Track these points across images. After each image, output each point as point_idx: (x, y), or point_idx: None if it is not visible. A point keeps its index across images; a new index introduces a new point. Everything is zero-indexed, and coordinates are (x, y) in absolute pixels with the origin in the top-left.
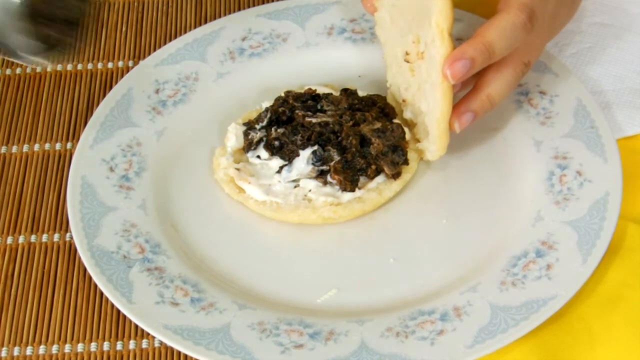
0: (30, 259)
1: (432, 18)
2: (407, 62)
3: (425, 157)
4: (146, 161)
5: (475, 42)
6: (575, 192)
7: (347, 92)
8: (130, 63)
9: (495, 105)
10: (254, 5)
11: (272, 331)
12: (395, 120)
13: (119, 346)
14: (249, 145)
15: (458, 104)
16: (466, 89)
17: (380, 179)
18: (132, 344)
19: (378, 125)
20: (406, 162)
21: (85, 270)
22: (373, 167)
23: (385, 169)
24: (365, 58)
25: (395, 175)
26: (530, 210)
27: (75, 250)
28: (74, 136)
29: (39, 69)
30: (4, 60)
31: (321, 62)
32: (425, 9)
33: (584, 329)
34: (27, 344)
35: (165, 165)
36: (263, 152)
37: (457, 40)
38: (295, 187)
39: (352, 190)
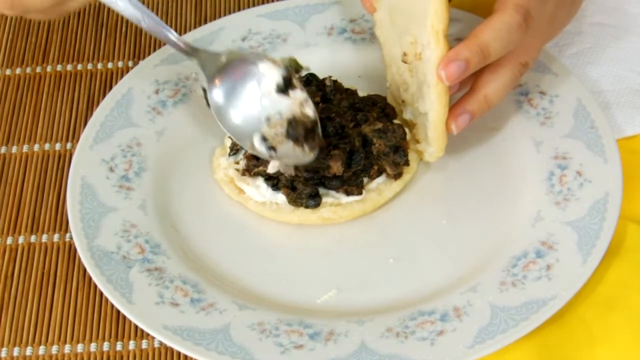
0: (30, 259)
1: (427, 19)
2: (405, 62)
3: (424, 159)
4: (146, 161)
5: (470, 43)
6: (575, 193)
7: (347, 92)
8: (130, 63)
9: (492, 106)
10: (254, 5)
11: (272, 331)
12: (396, 121)
13: (118, 346)
14: (231, 150)
15: (455, 105)
16: (464, 89)
17: (380, 179)
18: (131, 345)
19: (379, 125)
20: (407, 162)
21: (85, 270)
22: (375, 167)
23: (388, 169)
24: (365, 58)
25: (397, 176)
26: (530, 210)
27: (75, 250)
28: (74, 136)
29: (38, 69)
30: (3, 60)
31: (321, 62)
32: (422, 10)
33: (584, 329)
34: (27, 344)
35: (165, 165)
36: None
37: (456, 40)
38: None
39: (359, 194)
